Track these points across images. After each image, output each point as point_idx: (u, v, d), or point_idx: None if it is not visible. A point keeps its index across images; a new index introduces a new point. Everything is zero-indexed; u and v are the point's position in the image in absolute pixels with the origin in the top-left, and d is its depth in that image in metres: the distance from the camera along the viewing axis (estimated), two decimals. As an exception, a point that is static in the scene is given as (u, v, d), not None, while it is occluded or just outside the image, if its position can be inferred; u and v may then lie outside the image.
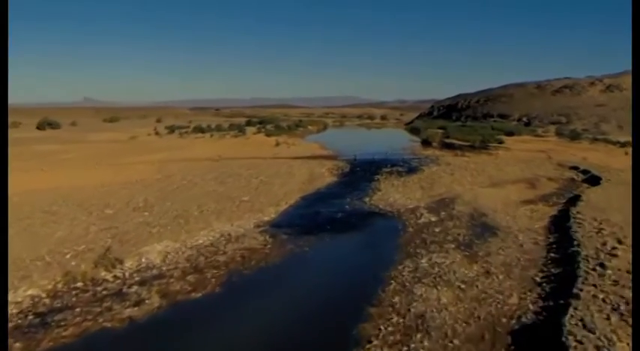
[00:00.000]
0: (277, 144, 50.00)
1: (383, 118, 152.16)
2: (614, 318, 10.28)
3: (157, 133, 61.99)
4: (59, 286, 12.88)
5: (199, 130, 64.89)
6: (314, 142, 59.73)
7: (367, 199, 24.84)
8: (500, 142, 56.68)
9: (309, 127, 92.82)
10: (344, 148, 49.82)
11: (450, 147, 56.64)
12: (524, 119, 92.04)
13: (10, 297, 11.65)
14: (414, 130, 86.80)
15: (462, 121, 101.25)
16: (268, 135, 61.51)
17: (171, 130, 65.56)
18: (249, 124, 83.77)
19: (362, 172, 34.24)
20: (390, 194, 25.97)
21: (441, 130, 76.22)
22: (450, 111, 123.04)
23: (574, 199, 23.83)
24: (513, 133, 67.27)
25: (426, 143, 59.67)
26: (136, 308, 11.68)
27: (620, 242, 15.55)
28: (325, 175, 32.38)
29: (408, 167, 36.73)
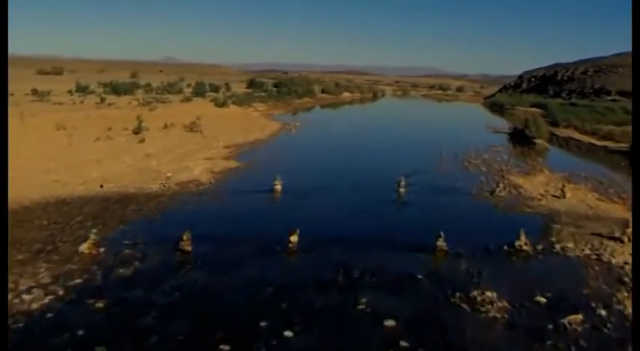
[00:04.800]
0: (138, 131, 20.69)
1: (459, 89, 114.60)
2: None
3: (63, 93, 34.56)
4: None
5: (117, 91, 36.17)
6: (297, 121, 29.74)
7: None
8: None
9: (345, 95, 61.53)
10: (330, 143, 19.97)
11: (582, 151, 24.43)
12: (669, 100, 54.54)
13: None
14: (494, 107, 52.40)
15: (564, 98, 64.83)
16: (235, 103, 32.02)
17: (83, 89, 37.03)
18: (252, 85, 54.50)
19: None
20: None
21: (537, 109, 42.32)
22: (544, 83, 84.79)
23: None
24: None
25: (520, 138, 27.00)
26: None
27: None
28: None
29: None
